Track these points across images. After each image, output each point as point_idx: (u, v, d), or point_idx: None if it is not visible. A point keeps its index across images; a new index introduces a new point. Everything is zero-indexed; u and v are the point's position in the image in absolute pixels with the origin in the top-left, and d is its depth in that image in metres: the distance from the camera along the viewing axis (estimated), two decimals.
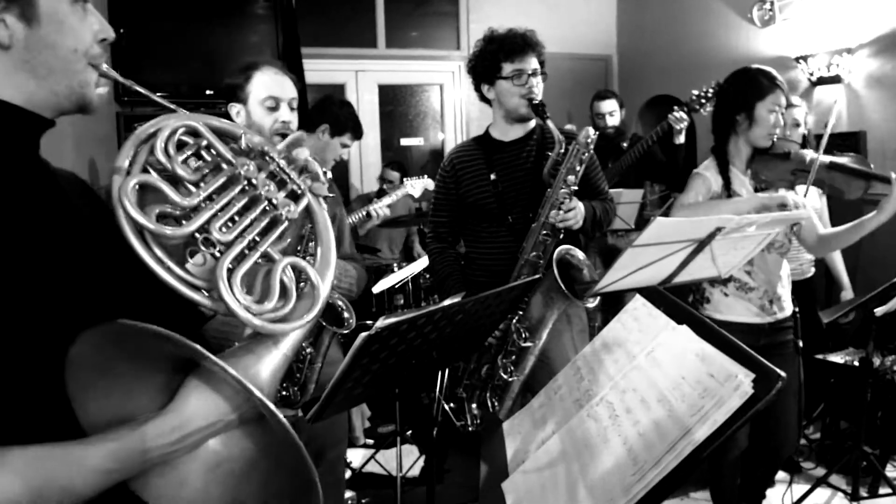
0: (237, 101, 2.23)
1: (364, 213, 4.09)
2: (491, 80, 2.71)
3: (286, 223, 1.03)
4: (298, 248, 2.02)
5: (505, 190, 2.71)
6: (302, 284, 1.03)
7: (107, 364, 0.88)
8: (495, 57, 2.66)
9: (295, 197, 1.08)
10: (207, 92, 4.73)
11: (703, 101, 4.21)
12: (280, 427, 0.84)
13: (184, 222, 0.95)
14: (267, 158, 1.07)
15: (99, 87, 1.08)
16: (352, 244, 2.58)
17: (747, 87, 2.65)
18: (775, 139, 2.64)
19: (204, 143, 1.03)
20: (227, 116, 2.21)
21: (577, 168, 2.48)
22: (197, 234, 0.95)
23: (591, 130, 2.50)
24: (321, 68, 5.82)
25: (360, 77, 6.21)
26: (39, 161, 1.06)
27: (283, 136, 2.15)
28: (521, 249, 2.58)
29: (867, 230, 2.60)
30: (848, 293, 3.93)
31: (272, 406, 0.83)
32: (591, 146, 2.50)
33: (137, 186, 0.94)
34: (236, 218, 1.00)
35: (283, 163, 1.08)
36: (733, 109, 2.67)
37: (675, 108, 4.41)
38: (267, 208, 1.02)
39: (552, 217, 2.49)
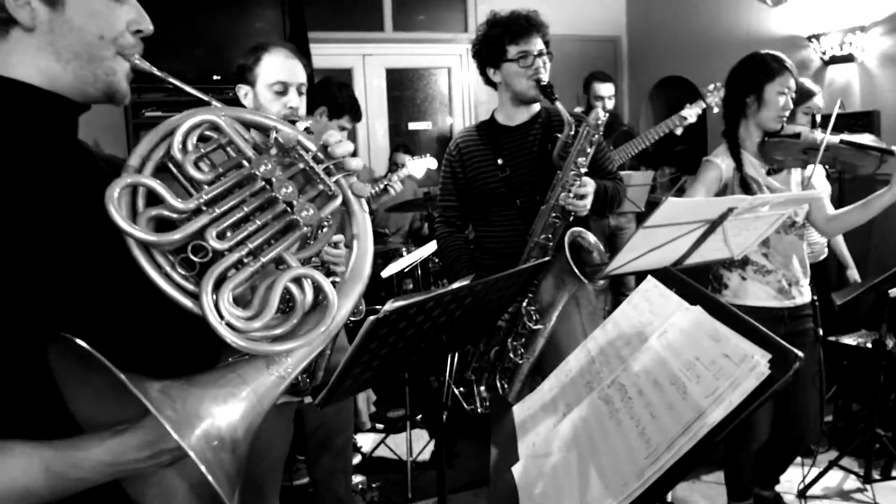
0: (245, 83, 2.19)
1: (381, 186, 4.05)
2: (496, 64, 2.69)
3: (304, 229, 0.95)
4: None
5: (513, 174, 2.70)
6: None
7: (83, 373, 0.86)
8: (500, 40, 2.63)
9: (327, 199, 1.00)
10: (214, 77, 4.72)
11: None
12: (196, 470, 0.77)
13: (177, 228, 0.90)
14: (296, 155, 0.99)
15: (129, 80, 1.06)
16: None
17: (756, 69, 2.63)
18: (784, 122, 2.62)
19: (225, 140, 0.97)
20: (235, 100, 2.18)
21: (588, 150, 2.46)
22: (208, 238, 0.89)
23: (600, 112, 2.47)
24: (328, 52, 5.80)
25: (368, 61, 6.19)
26: (76, 143, 1.07)
27: (292, 122, 2.13)
28: (531, 232, 2.56)
29: (878, 208, 2.57)
30: (853, 272, 3.90)
31: (192, 453, 0.76)
32: (601, 128, 2.48)
33: (131, 188, 0.90)
34: (255, 221, 0.93)
35: (317, 158, 1.00)
36: (743, 92, 2.65)
37: (688, 105, 4.41)
38: (287, 210, 0.94)
39: (562, 199, 2.47)
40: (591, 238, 2.44)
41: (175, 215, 0.90)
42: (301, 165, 0.99)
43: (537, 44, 2.63)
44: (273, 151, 0.99)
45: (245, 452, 0.88)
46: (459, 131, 2.96)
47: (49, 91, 0.99)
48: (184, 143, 0.95)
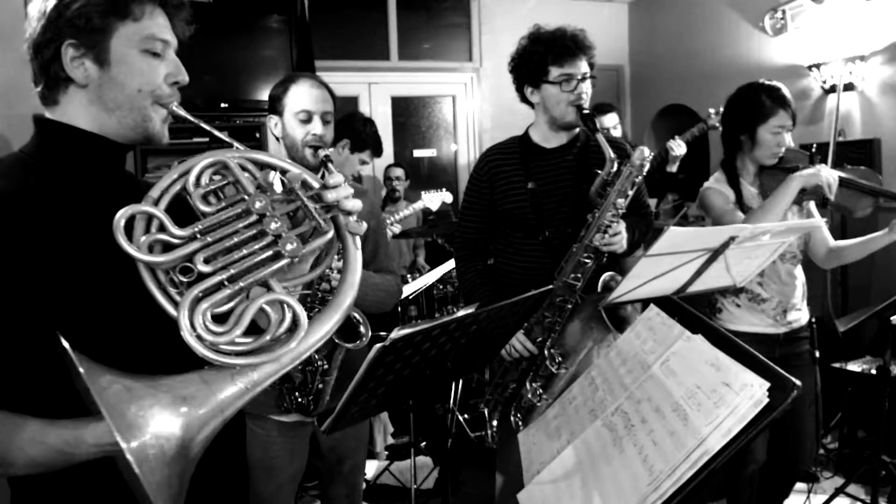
0: (275, 114, 2.27)
1: (391, 221, 4.08)
2: (536, 83, 2.50)
3: (287, 259, 1.05)
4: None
5: (543, 201, 2.52)
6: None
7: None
8: (543, 59, 2.43)
9: (319, 234, 1.11)
10: (222, 105, 4.78)
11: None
12: (127, 466, 0.86)
13: (173, 251, 1.01)
14: (293, 195, 1.10)
15: (167, 123, 1.26)
16: (388, 256, 2.50)
17: (749, 109, 2.61)
18: (782, 154, 2.63)
19: (232, 178, 1.11)
20: (251, 128, 2.23)
21: (629, 192, 2.30)
22: (196, 262, 1.01)
23: (645, 151, 2.28)
24: (335, 80, 5.74)
25: (373, 89, 6.25)
26: (123, 174, 1.30)
27: (315, 148, 2.18)
28: (559, 270, 2.40)
29: (877, 247, 2.58)
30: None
31: (130, 458, 0.85)
32: (645, 168, 2.30)
33: (146, 215, 1.03)
34: (242, 250, 1.04)
35: (319, 196, 1.12)
36: (737, 130, 2.67)
37: (676, 136, 4.42)
38: (274, 242, 1.05)
39: (597, 240, 2.30)
40: None
41: (174, 240, 1.03)
42: (298, 203, 1.10)
43: (582, 66, 2.44)
44: (278, 189, 1.11)
45: (198, 454, 0.97)
46: (491, 147, 2.72)
47: (99, 135, 1.20)
48: (198, 180, 1.09)
